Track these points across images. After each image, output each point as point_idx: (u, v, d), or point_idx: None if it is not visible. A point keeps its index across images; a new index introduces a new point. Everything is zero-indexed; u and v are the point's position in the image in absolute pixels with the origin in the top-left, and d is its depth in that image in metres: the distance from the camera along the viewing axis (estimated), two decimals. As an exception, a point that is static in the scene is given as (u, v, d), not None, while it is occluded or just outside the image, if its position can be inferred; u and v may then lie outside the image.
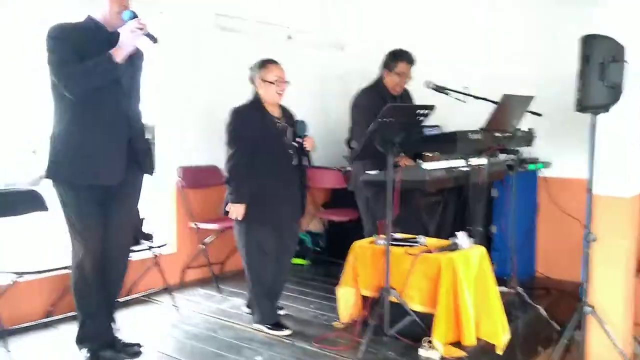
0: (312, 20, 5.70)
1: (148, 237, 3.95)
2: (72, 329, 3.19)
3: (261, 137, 3.39)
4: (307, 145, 3.46)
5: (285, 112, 3.61)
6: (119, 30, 2.83)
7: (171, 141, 4.54)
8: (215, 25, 4.75)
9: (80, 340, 3.05)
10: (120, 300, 3.76)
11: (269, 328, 3.50)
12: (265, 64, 3.48)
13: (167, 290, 4.04)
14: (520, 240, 4.37)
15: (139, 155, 3.02)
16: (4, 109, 3.64)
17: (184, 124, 4.54)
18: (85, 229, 2.92)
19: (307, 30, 5.62)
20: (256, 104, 3.48)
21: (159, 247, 3.96)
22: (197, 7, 4.61)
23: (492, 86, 3.82)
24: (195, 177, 4.53)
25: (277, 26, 5.39)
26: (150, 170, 3.13)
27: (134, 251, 3.68)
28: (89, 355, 3.01)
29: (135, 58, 2.96)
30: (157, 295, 4.16)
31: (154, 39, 2.85)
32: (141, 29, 2.78)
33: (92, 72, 2.73)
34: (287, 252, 3.67)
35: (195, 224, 4.45)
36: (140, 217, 3.87)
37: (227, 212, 3.46)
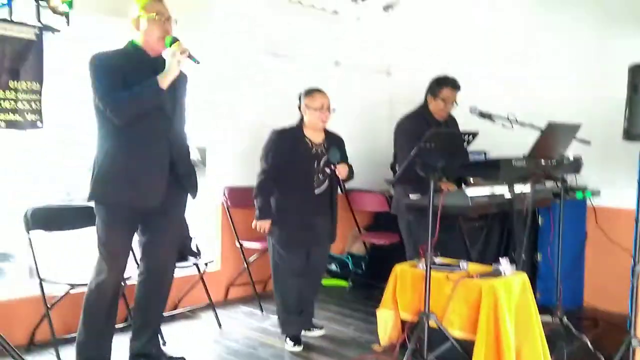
0: (360, 45, 5.80)
1: (196, 254, 4.07)
2: (120, 340, 3.30)
3: (293, 160, 3.54)
4: (340, 173, 3.57)
5: (331, 138, 3.72)
6: (163, 55, 2.92)
7: (219, 162, 4.69)
8: (266, 51, 4.91)
9: None
10: (166, 314, 3.92)
11: (286, 340, 3.64)
12: (311, 92, 3.65)
13: (211, 306, 4.14)
14: (567, 269, 4.28)
15: (182, 178, 3.10)
16: (64, 128, 3.85)
17: (232, 145, 4.69)
18: (111, 253, 2.99)
19: (355, 56, 5.74)
20: (297, 129, 3.65)
21: (205, 264, 4.07)
22: (249, 34, 4.79)
23: (540, 113, 3.83)
24: (240, 197, 4.63)
25: (325, 52, 5.53)
26: (193, 192, 3.19)
27: (182, 267, 3.83)
28: None
29: (177, 82, 2.99)
30: (201, 311, 4.29)
31: (196, 61, 2.93)
32: (183, 52, 2.86)
33: (138, 99, 2.82)
34: (314, 275, 3.78)
35: (240, 243, 4.56)
36: (190, 235, 4.00)
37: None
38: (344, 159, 3.71)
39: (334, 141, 3.75)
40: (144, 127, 2.90)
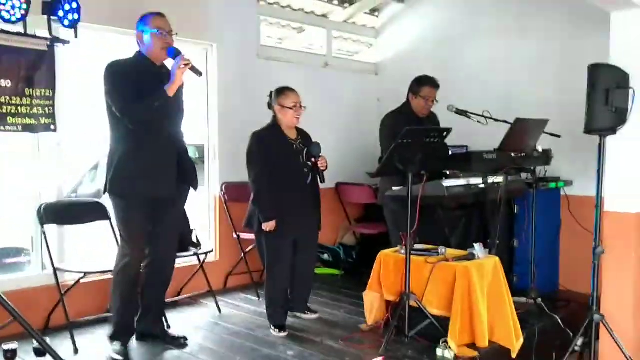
0: (349, 47, 6.11)
1: (196, 245, 4.37)
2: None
3: (279, 157, 3.76)
4: (321, 165, 3.81)
5: (301, 133, 3.98)
6: (170, 68, 3.27)
7: (216, 159, 4.99)
8: (258, 55, 5.22)
9: (114, 337, 3.44)
10: (170, 300, 4.24)
11: (272, 328, 3.89)
12: (283, 91, 3.86)
13: (211, 293, 4.45)
14: (543, 254, 4.59)
15: (186, 173, 3.49)
16: (74, 130, 4.15)
17: (229, 143, 4.97)
18: (133, 237, 3.37)
19: (343, 57, 6.05)
20: (274, 128, 3.86)
21: (204, 253, 4.38)
22: (242, 39, 5.09)
23: (515, 110, 4.15)
24: (237, 192, 4.92)
25: (315, 54, 5.84)
26: (195, 185, 3.59)
27: (183, 256, 4.15)
28: (121, 349, 3.39)
29: (178, 91, 3.35)
30: (202, 298, 4.60)
31: (199, 73, 3.32)
32: (187, 64, 3.22)
33: (151, 107, 3.17)
34: (307, 261, 4.07)
35: (237, 234, 4.87)
36: (191, 228, 4.31)
37: (250, 225, 3.89)
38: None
39: (306, 136, 3.99)
40: (153, 128, 3.26)
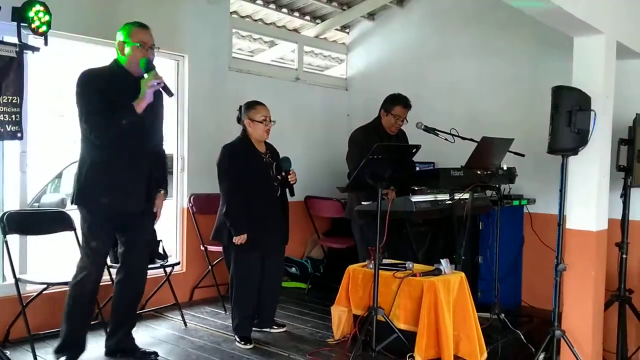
0: (319, 62, 6.17)
1: (163, 257, 4.32)
2: (93, 336, 3.56)
3: (249, 171, 3.78)
4: (292, 179, 3.86)
5: (269, 148, 4.01)
6: (143, 85, 3.18)
7: (185, 170, 4.96)
8: (230, 67, 5.23)
9: (60, 350, 3.31)
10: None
11: (238, 340, 3.88)
12: (253, 105, 3.88)
13: (177, 306, 4.39)
14: (506, 270, 4.69)
15: (158, 182, 3.44)
16: (38, 138, 4.07)
17: (197, 155, 4.96)
18: (95, 251, 3.27)
19: (314, 72, 6.10)
20: (244, 141, 3.87)
21: (171, 265, 4.33)
22: (214, 51, 5.09)
23: (482, 128, 4.25)
24: (205, 204, 4.89)
25: (286, 68, 5.87)
26: (165, 192, 3.54)
27: (149, 268, 4.07)
28: None
29: (155, 99, 3.28)
30: (168, 311, 4.54)
31: (170, 93, 3.28)
32: (159, 83, 3.18)
33: (116, 123, 3.09)
34: (275, 275, 4.08)
35: (204, 246, 4.83)
36: (158, 239, 4.26)
37: (218, 237, 3.89)
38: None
39: (274, 150, 4.03)
40: (124, 141, 3.18)
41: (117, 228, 3.38)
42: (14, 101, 3.34)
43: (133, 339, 3.57)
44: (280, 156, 3.98)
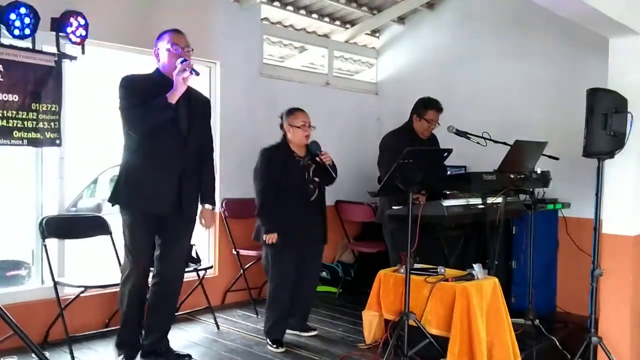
0: (349, 67, 6.18)
1: (196, 260, 4.38)
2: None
3: (285, 173, 3.88)
4: (325, 158, 3.91)
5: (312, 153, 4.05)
6: (175, 76, 3.23)
7: (217, 175, 5.01)
8: (261, 73, 5.28)
9: (119, 346, 3.48)
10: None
11: (270, 343, 3.93)
12: (292, 111, 4.00)
13: (210, 309, 4.45)
14: (541, 275, 4.62)
15: (200, 187, 3.49)
16: (76, 145, 4.18)
17: (230, 160, 5.02)
18: (135, 249, 3.36)
19: (344, 76, 6.11)
20: (283, 145, 3.99)
21: (204, 269, 4.39)
22: (245, 57, 5.16)
23: (515, 132, 4.20)
24: (237, 208, 4.97)
25: (317, 73, 5.90)
26: (207, 201, 3.57)
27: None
28: (123, 358, 3.43)
29: (194, 104, 3.40)
30: (201, 314, 4.60)
31: (196, 73, 3.28)
32: (185, 69, 3.20)
33: (150, 113, 3.17)
34: (310, 277, 4.13)
35: (236, 251, 4.88)
36: (191, 243, 4.32)
37: (257, 238, 3.97)
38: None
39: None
40: (159, 143, 3.27)
41: (155, 231, 3.44)
42: (53, 109, 3.44)
43: (168, 342, 3.62)
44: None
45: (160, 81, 3.32)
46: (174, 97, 3.21)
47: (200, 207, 3.59)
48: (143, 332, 3.55)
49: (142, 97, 3.20)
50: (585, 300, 4.64)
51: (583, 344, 3.50)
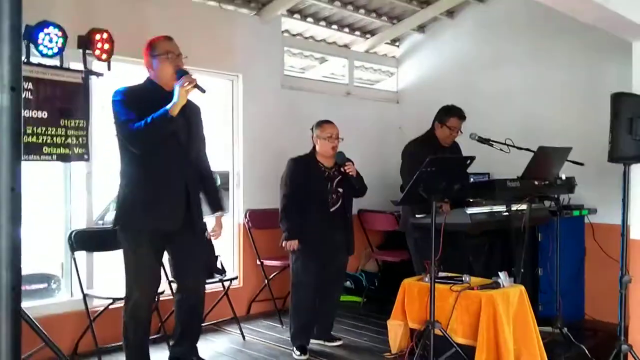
0: (369, 76, 6.20)
1: (221, 271, 4.43)
2: (155, 350, 3.67)
3: (308, 183, 3.96)
4: (348, 169, 3.97)
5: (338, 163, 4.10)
6: (177, 88, 3.09)
7: (240, 186, 5.07)
8: (282, 85, 5.34)
9: None
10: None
11: (294, 349, 3.96)
12: (321, 124, 4.10)
13: (235, 320, 4.48)
14: (568, 283, 4.55)
15: (206, 197, 3.40)
16: (102, 159, 4.26)
17: (253, 171, 5.07)
18: (140, 274, 3.20)
19: (365, 86, 6.13)
20: (310, 156, 4.10)
21: (229, 280, 4.43)
22: (267, 70, 5.22)
23: (539, 137, 4.17)
24: (261, 219, 5.01)
25: (337, 83, 5.94)
26: (217, 208, 3.48)
27: (208, 283, 4.18)
28: None
29: (189, 113, 3.23)
30: (226, 325, 4.63)
31: (202, 90, 3.11)
32: (190, 82, 3.04)
33: (151, 126, 2.98)
34: (333, 287, 4.18)
35: (260, 262, 4.92)
36: (216, 254, 4.37)
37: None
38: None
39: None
40: (160, 157, 3.12)
41: (162, 248, 3.29)
42: (80, 125, 3.52)
43: (196, 351, 3.54)
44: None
45: (154, 90, 3.19)
46: (175, 109, 3.03)
47: (210, 216, 3.49)
48: (170, 343, 3.57)
49: (139, 109, 3.03)
50: (614, 308, 4.58)
51: (613, 352, 3.45)
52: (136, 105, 3.05)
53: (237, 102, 5.05)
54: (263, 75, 5.18)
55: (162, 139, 3.06)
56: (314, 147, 4.12)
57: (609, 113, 3.39)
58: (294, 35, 5.66)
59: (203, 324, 4.47)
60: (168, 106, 3.00)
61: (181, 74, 3.11)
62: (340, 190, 4.04)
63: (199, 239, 3.45)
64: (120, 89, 3.15)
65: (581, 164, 4.29)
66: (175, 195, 3.19)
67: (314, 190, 3.99)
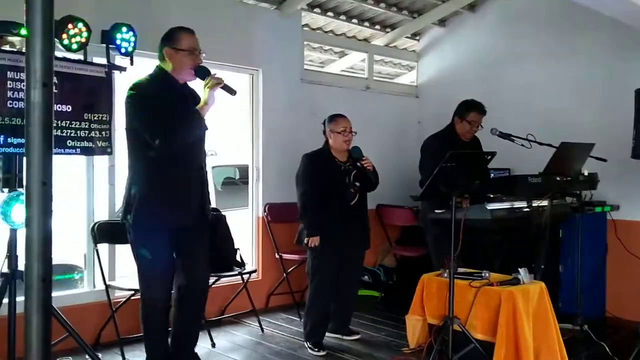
0: (388, 70, 6.18)
1: (240, 264, 4.45)
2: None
3: (325, 178, 3.96)
4: (366, 164, 3.97)
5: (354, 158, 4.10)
6: (192, 87, 3.19)
7: (260, 180, 5.10)
8: (302, 79, 5.34)
9: None
10: (214, 319, 4.33)
11: (309, 346, 3.98)
12: (334, 118, 4.07)
13: (254, 312, 4.52)
14: (589, 279, 4.51)
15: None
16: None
17: (272, 165, 5.09)
18: (160, 274, 3.19)
19: (384, 80, 6.11)
20: (324, 151, 4.09)
21: (248, 273, 4.46)
22: (286, 64, 5.23)
23: (561, 133, 4.13)
24: (279, 213, 5.03)
25: (357, 77, 5.92)
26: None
27: (227, 276, 4.24)
28: None
29: (197, 103, 3.17)
30: (245, 317, 4.68)
31: (233, 92, 3.14)
32: (219, 83, 3.07)
33: (187, 129, 3.01)
34: (351, 281, 4.19)
35: (279, 255, 4.94)
36: (235, 247, 4.40)
37: (300, 242, 4.05)
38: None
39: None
40: (179, 155, 3.10)
41: (174, 245, 3.23)
42: (104, 118, 3.55)
43: (195, 355, 3.45)
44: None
45: (168, 82, 3.15)
46: (205, 111, 3.06)
47: None
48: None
49: (156, 103, 3.01)
50: (636, 305, 4.57)
51: (634, 350, 3.43)
52: (156, 100, 3.02)
53: (257, 97, 5.07)
54: (283, 69, 5.19)
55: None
56: (327, 142, 4.10)
57: (632, 109, 3.35)
58: (313, 29, 5.66)
59: (222, 316, 4.56)
60: (198, 107, 3.06)
61: (204, 73, 3.12)
62: (358, 184, 4.04)
63: (205, 232, 3.39)
64: (136, 83, 3.12)
65: (604, 160, 4.24)
66: (194, 190, 3.22)
67: (332, 186, 3.99)
